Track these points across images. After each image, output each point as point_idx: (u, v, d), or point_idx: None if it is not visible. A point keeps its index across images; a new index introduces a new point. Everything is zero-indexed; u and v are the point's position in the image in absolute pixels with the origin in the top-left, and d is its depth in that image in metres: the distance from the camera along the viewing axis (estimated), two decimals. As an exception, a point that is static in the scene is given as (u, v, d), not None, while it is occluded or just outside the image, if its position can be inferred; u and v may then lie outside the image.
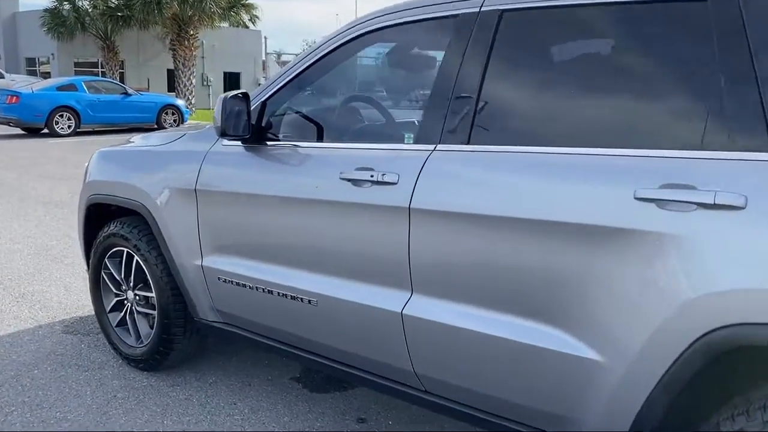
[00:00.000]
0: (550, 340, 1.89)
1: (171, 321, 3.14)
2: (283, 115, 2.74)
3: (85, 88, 17.01)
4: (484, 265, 2.00)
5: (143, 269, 3.24)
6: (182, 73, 26.31)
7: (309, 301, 2.47)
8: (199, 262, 2.91)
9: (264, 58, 25.18)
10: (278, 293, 2.58)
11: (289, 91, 2.66)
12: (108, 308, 3.51)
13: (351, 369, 2.47)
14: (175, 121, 18.47)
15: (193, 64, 26.75)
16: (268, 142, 2.67)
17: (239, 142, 2.74)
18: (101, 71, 30.83)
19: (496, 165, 2.01)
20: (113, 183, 3.29)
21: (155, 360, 3.27)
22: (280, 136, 2.73)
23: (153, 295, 3.20)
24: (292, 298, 2.53)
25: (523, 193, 1.93)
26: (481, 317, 2.03)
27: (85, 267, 3.78)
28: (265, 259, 2.63)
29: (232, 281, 2.78)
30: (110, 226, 3.34)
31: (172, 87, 29.10)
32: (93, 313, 4.12)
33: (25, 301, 4.43)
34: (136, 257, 3.24)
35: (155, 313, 3.22)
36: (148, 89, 27.75)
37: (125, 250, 3.29)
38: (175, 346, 3.21)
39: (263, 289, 2.64)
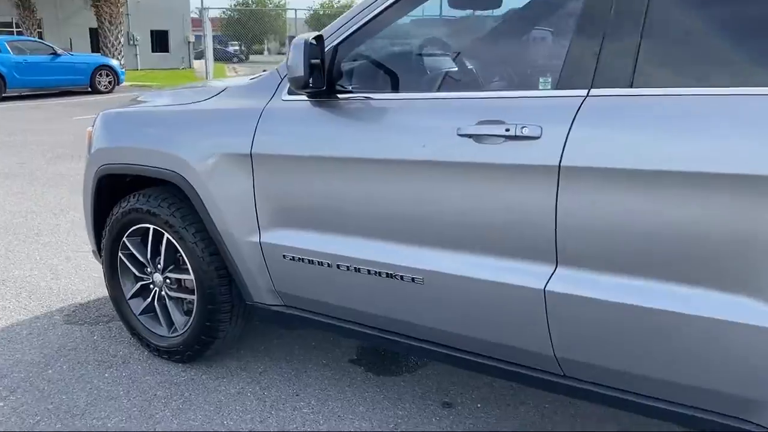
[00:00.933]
0: (747, 313, 1.63)
1: (216, 306, 2.73)
2: (362, 61, 2.34)
3: (9, 49, 15.64)
4: (657, 229, 1.70)
5: (175, 248, 2.80)
6: (109, 31, 24.66)
7: (413, 279, 2.13)
8: (256, 239, 2.51)
9: (197, 15, 23.62)
10: (369, 271, 2.22)
11: (369, 33, 2.24)
12: (129, 294, 3.06)
13: (466, 355, 2.16)
14: (110, 82, 17.32)
15: (120, 22, 25.11)
16: (341, 95, 2.27)
17: (304, 96, 2.33)
18: (16, 32, 28.57)
19: (673, 111, 1.70)
20: (135, 150, 2.81)
21: (195, 351, 2.87)
22: (352, 87, 2.33)
23: (190, 277, 2.77)
24: (389, 276, 2.18)
25: (717, 142, 1.63)
26: (651, 290, 1.75)
27: (91, 247, 3.30)
28: (350, 232, 2.25)
29: (302, 259, 2.40)
30: (130, 200, 2.87)
31: (96, 47, 27.35)
32: (93, 298, 3.67)
33: (8, 289, 3.89)
34: (166, 235, 2.79)
35: (193, 297, 2.80)
36: (70, 50, 25.99)
37: (151, 227, 2.84)
38: (220, 333, 2.81)
39: (348, 267, 2.27)
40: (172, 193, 2.77)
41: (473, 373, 2.79)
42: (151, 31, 34.92)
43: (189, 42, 36.02)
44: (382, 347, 3.01)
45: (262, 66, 34.43)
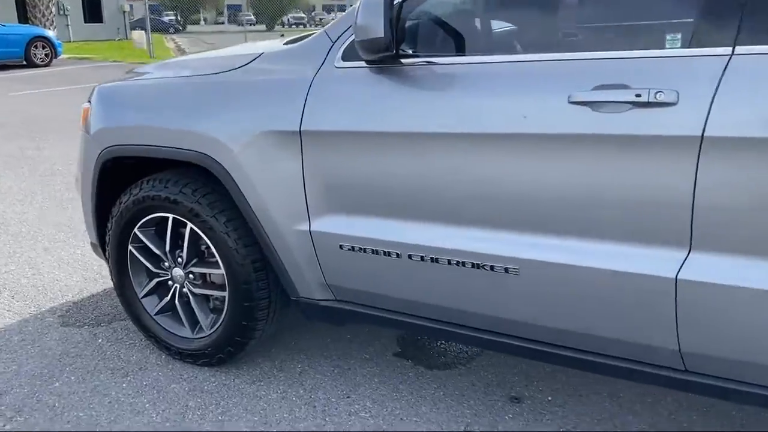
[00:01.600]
0: None
1: (253, 303, 2.42)
2: (432, 19, 2.04)
3: (-68, 19, 14.40)
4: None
5: (200, 240, 2.47)
6: (39, 0, 23.17)
7: (506, 270, 1.88)
8: (304, 228, 2.21)
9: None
10: (450, 261, 1.96)
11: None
12: (142, 292, 2.71)
13: (566, 352, 1.93)
14: (47, 55, 16.24)
15: (52, -10, 23.64)
16: (407, 59, 1.98)
17: (361, 63, 2.02)
18: (-66, 2, 26.51)
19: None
20: (151, 129, 2.44)
21: (226, 353, 2.56)
22: (419, 50, 2.04)
23: (219, 271, 2.45)
24: (475, 266, 1.93)
25: None
26: None
27: (90, 240, 2.91)
28: (426, 218, 1.98)
29: (364, 249, 2.11)
30: (143, 186, 2.51)
31: (24, 17, 25.67)
32: (86, 295, 3.30)
33: (-15, 288, 3.46)
34: (190, 225, 2.45)
35: (223, 294, 2.48)
36: (-5, 20, 24.28)
37: (170, 216, 2.49)
38: (256, 333, 2.50)
39: (423, 257, 2.01)
40: (195, 177, 2.43)
41: (533, 363, 2.60)
42: (83, 0, 33.04)
43: (124, 12, 34.27)
44: (447, 341, 2.77)
45: (201, 37, 33.17)
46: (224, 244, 2.38)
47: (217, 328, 2.55)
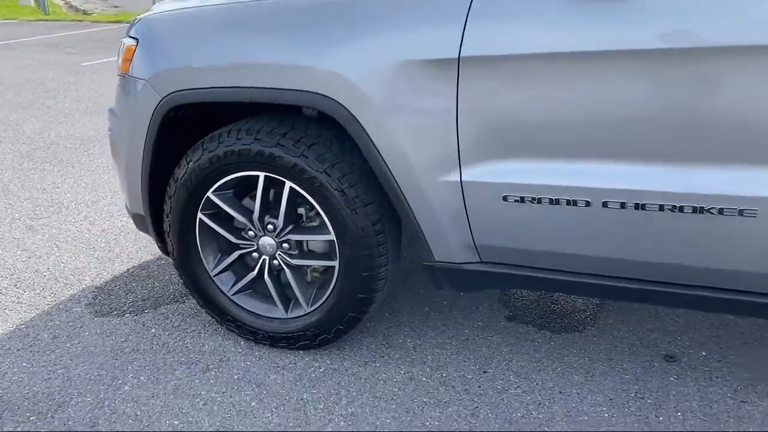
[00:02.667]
0: None
1: (373, 273, 2.04)
2: None
3: None
4: None
5: (296, 201, 2.05)
6: None
7: (740, 213, 1.59)
8: (453, 177, 1.82)
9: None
10: (662, 207, 1.65)
11: None
12: (216, 269, 2.25)
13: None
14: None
15: None
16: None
17: (536, -28, 1.64)
18: None
19: None
20: (239, 67, 1.94)
21: (334, 332, 2.16)
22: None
23: (327, 237, 2.04)
24: (697, 211, 1.62)
25: None
26: None
27: (136, 212, 2.40)
28: (631, 156, 1.65)
29: (538, 199, 1.76)
30: (223, 139, 2.03)
31: None
32: (109, 277, 2.79)
33: (-27, 278, 2.86)
34: (289, 184, 2.01)
35: (329, 264, 2.08)
36: None
37: (261, 174, 2.04)
38: (372, 306, 2.12)
39: (623, 204, 1.68)
40: (292, 124, 1.99)
41: (663, 316, 2.37)
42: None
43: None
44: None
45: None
46: (337, 205, 1.96)
47: (321, 305, 2.15)
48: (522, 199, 1.79)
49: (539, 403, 1.98)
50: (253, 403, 2.01)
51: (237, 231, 2.19)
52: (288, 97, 1.90)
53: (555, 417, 1.92)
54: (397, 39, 1.76)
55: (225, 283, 2.27)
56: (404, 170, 1.85)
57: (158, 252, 3.02)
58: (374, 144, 1.84)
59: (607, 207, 1.70)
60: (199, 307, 2.50)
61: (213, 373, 2.16)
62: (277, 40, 1.90)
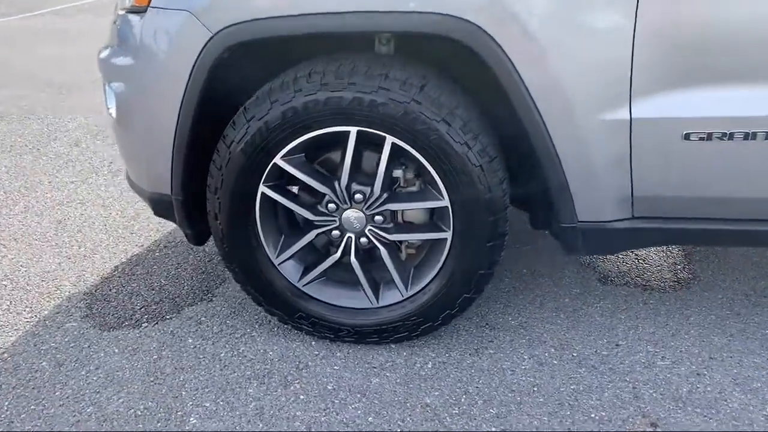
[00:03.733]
0: None
1: (498, 242, 1.67)
2: None
3: None
4: None
5: (398, 160, 1.64)
6: None
7: None
8: (621, 115, 1.49)
9: None
10: None
11: None
12: (279, 256, 1.77)
13: None
14: None
15: None
16: None
17: None
18: None
19: None
20: None
21: (443, 318, 1.77)
22: None
23: (439, 204, 1.63)
24: None
25: None
26: None
27: (159, 192, 1.84)
28: None
29: (725, 134, 1.47)
30: (300, 84, 1.55)
31: None
32: (96, 281, 2.24)
33: None
34: (390, 139, 1.58)
35: (445, 236, 1.68)
36: None
37: (352, 129, 1.58)
38: (485, 286, 1.75)
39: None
40: (386, 64, 1.57)
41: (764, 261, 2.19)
42: None
43: None
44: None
45: None
46: (459, 162, 1.56)
47: (425, 287, 1.75)
48: (709, 136, 1.48)
49: (698, 374, 1.71)
50: (369, 418, 1.59)
51: (311, 206, 1.73)
52: (406, 23, 1.46)
53: (725, 387, 1.66)
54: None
55: (291, 273, 1.81)
56: (557, 110, 1.49)
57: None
58: (521, 78, 1.46)
59: (815, 138, 1.44)
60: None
61: (297, 386, 1.71)
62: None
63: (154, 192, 1.84)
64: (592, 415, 1.59)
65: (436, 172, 1.60)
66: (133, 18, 1.69)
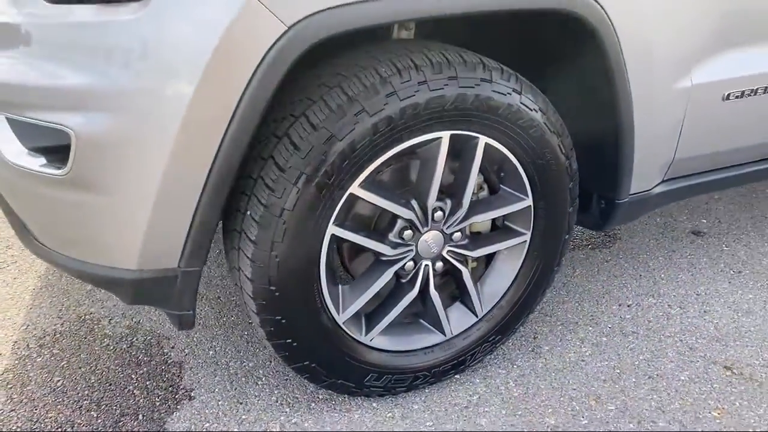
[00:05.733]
0: None
1: (571, 234, 1.56)
2: None
3: None
4: None
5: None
6: None
7: None
8: (686, 83, 1.51)
9: None
10: None
11: None
12: (345, 312, 1.37)
13: None
14: None
15: None
16: None
17: None
18: None
19: None
20: None
21: (511, 331, 1.60)
22: None
23: (523, 205, 1.46)
24: None
25: None
26: None
27: (172, 264, 1.24)
28: None
29: (755, 90, 1.61)
30: (395, 86, 1.20)
31: None
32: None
33: None
34: (484, 140, 1.33)
35: (525, 238, 1.50)
36: None
37: (445, 134, 1.29)
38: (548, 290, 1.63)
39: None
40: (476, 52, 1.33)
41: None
42: None
43: None
44: None
45: None
46: (552, 155, 1.41)
47: (500, 301, 1.55)
48: (739, 95, 1.60)
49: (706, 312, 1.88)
50: (523, 465, 1.37)
51: (383, 237, 1.37)
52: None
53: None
54: None
55: (355, 329, 1.42)
56: (645, 82, 1.44)
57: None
58: (623, 54, 1.37)
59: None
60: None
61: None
62: None
63: (148, 269, 1.24)
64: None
65: (525, 171, 1.41)
66: (109, 10, 1.08)
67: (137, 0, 1.06)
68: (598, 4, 1.29)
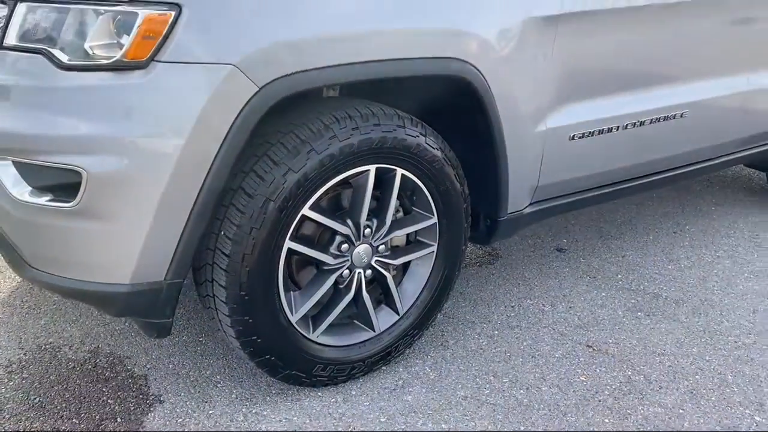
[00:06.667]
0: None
1: (465, 245, 1.99)
2: None
3: None
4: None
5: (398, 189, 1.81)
6: None
7: (681, 115, 2.37)
8: (542, 127, 2.00)
9: None
10: (653, 120, 2.29)
11: None
12: (296, 313, 1.71)
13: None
14: None
15: None
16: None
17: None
18: None
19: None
20: (369, 34, 1.53)
21: (428, 325, 1.99)
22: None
23: (430, 222, 1.87)
24: (666, 118, 2.33)
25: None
26: None
27: (159, 277, 1.52)
28: (648, 86, 2.22)
29: (590, 133, 2.14)
30: (334, 130, 1.57)
31: None
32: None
33: None
34: (400, 172, 1.74)
35: (432, 249, 1.91)
36: None
37: (371, 168, 1.68)
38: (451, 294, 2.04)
39: (637, 123, 2.24)
40: (392, 103, 1.76)
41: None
42: None
43: None
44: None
45: None
46: (449, 183, 1.84)
47: (416, 300, 1.94)
48: (581, 136, 2.13)
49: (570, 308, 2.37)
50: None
51: (326, 249, 1.73)
52: (423, 67, 1.67)
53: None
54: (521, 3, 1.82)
55: (304, 327, 1.75)
56: (512, 127, 1.91)
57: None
58: (496, 104, 1.83)
59: (626, 129, 2.23)
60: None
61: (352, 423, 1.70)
62: (413, 2, 1.63)
63: (139, 283, 1.51)
64: (559, 355, 2.07)
65: (431, 195, 1.83)
66: (117, 76, 1.39)
67: (141, 68, 1.38)
68: (480, 72, 1.75)
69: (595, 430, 1.77)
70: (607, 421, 1.80)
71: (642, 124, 2.25)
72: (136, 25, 1.37)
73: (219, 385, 1.85)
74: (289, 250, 1.63)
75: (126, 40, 1.38)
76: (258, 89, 1.44)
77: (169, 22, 1.37)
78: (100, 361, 1.92)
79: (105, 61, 1.39)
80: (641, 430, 1.77)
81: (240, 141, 1.45)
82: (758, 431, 1.79)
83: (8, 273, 2.35)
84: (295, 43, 1.47)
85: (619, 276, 2.58)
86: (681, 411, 1.85)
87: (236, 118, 1.43)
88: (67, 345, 1.99)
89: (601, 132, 2.16)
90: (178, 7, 1.38)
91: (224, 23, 1.42)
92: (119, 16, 1.39)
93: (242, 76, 1.41)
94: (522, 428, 1.75)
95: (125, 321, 2.10)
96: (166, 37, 1.38)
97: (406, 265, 1.95)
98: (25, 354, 1.94)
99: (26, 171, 1.47)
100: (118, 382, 1.84)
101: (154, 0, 1.38)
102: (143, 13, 1.37)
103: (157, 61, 1.38)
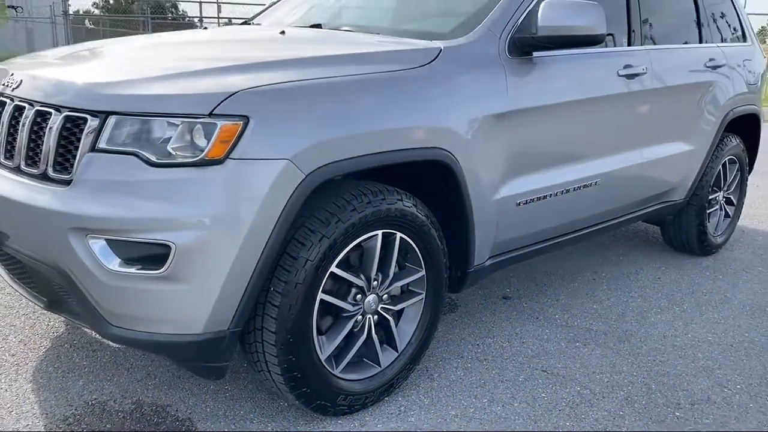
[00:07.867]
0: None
1: (444, 291, 2.47)
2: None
3: None
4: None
5: (396, 250, 2.28)
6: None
7: (596, 183, 3.01)
8: (497, 196, 2.55)
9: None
10: (577, 187, 2.90)
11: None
12: (329, 351, 2.12)
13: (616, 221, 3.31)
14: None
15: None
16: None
17: (523, 55, 2.58)
18: None
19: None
20: (389, 133, 2.12)
21: (418, 360, 2.43)
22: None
23: (420, 274, 2.35)
24: (586, 186, 2.95)
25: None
26: None
27: (223, 326, 1.90)
28: (569, 163, 2.83)
29: (532, 200, 2.71)
30: (354, 205, 2.05)
31: None
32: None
33: None
34: (399, 235, 2.23)
35: (421, 297, 2.38)
36: None
37: (379, 233, 2.16)
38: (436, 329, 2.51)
39: (564, 191, 2.84)
40: (391, 182, 2.26)
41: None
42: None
43: None
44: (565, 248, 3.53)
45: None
46: (434, 241, 2.34)
47: (411, 339, 2.39)
48: (525, 202, 2.70)
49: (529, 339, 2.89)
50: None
51: (345, 298, 2.16)
52: (416, 154, 2.19)
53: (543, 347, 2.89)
54: (477, 101, 2.39)
55: (330, 365, 2.16)
56: (476, 198, 2.44)
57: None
58: (466, 181, 2.37)
59: (556, 195, 2.83)
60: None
61: (377, 446, 2.10)
62: (405, 109, 2.17)
63: (209, 332, 1.89)
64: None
65: (421, 253, 2.32)
66: (199, 170, 1.80)
67: (218, 164, 1.81)
68: (453, 156, 2.28)
69: (561, 430, 2.25)
70: (568, 424, 2.29)
71: (568, 191, 2.86)
72: (215, 133, 1.81)
73: (255, 422, 2.20)
74: (320, 300, 2.05)
75: (203, 143, 1.82)
76: (304, 176, 1.89)
77: (239, 130, 1.82)
78: (145, 410, 2.23)
79: (191, 159, 1.81)
80: (595, 430, 2.27)
81: (291, 216, 1.89)
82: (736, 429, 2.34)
83: (32, 344, 2.60)
84: (334, 140, 1.96)
85: (557, 316, 3.14)
86: (621, 413, 2.38)
87: (289, 199, 1.88)
88: (111, 399, 2.28)
89: (539, 198, 2.74)
90: (247, 118, 1.84)
91: (281, 128, 1.88)
92: (199, 126, 1.83)
93: (294, 167, 1.87)
94: (505, 434, 2.21)
95: (156, 377, 2.41)
96: (237, 140, 1.82)
97: (400, 311, 2.40)
98: (76, 410, 2.21)
99: (117, 245, 1.84)
100: (167, 425, 2.15)
101: (228, 114, 1.83)
102: (221, 123, 1.81)
103: (230, 158, 1.82)
